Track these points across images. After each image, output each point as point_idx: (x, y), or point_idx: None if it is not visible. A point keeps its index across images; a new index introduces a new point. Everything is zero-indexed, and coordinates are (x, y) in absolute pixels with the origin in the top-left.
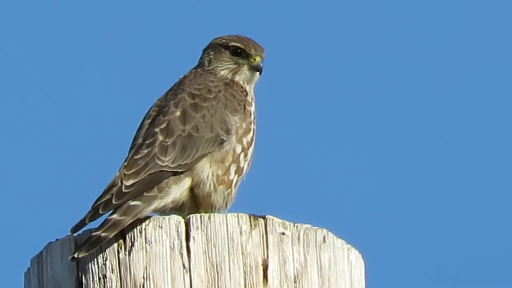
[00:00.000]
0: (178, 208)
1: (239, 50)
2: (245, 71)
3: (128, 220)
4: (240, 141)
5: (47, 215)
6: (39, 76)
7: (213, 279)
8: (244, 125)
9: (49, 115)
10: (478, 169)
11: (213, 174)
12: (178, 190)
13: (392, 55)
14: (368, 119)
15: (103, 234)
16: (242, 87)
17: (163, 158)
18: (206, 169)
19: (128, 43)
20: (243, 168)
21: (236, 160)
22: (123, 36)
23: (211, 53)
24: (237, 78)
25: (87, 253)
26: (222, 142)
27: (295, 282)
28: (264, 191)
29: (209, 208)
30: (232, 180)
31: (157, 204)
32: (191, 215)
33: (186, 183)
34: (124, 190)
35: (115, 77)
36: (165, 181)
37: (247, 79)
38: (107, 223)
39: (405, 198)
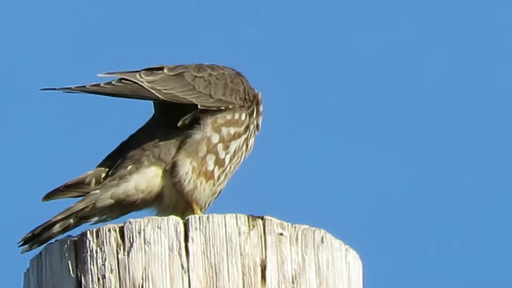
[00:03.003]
0: (157, 201)
1: None
2: None
3: (81, 206)
4: (217, 130)
5: (47, 216)
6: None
7: (211, 279)
8: (229, 116)
9: (54, 119)
10: (476, 169)
11: (192, 170)
12: (142, 178)
13: (393, 55)
14: (365, 120)
15: (53, 219)
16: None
17: (145, 77)
18: (186, 165)
19: (127, 46)
20: (224, 160)
21: (212, 150)
22: (122, 38)
23: None
24: None
25: (32, 240)
26: (191, 138)
27: (293, 282)
28: (262, 191)
29: (195, 205)
30: (212, 172)
31: (113, 190)
32: (189, 216)
33: (151, 171)
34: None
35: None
36: (128, 168)
37: None
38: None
39: (403, 198)
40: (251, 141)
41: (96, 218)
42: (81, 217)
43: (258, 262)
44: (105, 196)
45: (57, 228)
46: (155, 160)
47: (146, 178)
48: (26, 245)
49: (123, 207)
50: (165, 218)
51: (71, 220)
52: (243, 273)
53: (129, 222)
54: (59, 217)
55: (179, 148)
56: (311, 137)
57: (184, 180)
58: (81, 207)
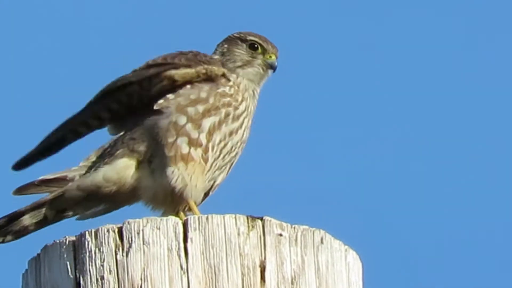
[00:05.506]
0: (133, 194)
1: (256, 45)
2: (257, 65)
3: (49, 197)
4: (183, 111)
5: None
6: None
7: (210, 280)
8: (192, 96)
9: (46, 115)
10: (475, 168)
11: (170, 159)
12: (111, 169)
13: (394, 54)
14: (366, 120)
15: (19, 210)
16: (224, 72)
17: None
18: (170, 164)
19: (131, 43)
20: (199, 139)
21: (182, 132)
22: (126, 36)
23: (225, 45)
24: (245, 71)
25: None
26: (159, 128)
27: (292, 283)
28: (261, 192)
29: (189, 201)
30: (189, 154)
31: (80, 182)
32: (188, 217)
33: (121, 162)
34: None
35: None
36: (104, 160)
37: (256, 74)
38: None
39: (403, 199)
40: (233, 126)
41: (76, 212)
42: (58, 209)
43: (258, 263)
44: (72, 187)
45: (28, 219)
46: (128, 151)
47: (116, 169)
48: None
49: (103, 199)
50: (164, 218)
51: (45, 212)
52: (242, 273)
53: (128, 223)
54: (25, 208)
55: (152, 139)
56: (310, 137)
57: (172, 179)
58: (49, 198)
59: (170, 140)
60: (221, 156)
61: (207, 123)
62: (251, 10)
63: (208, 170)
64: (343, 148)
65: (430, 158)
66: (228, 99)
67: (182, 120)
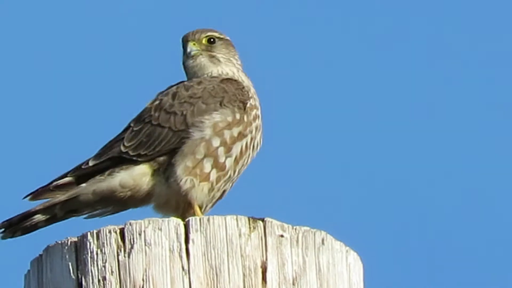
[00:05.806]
0: (150, 199)
1: (183, 46)
2: (186, 62)
3: (62, 198)
4: (219, 134)
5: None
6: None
7: (212, 281)
8: (229, 118)
9: (49, 118)
10: (474, 168)
11: (185, 169)
12: (127, 175)
13: (392, 54)
14: (366, 121)
15: (32, 209)
16: (238, 83)
17: (126, 144)
18: (182, 165)
19: (128, 44)
20: (224, 163)
21: (212, 153)
22: (123, 36)
23: None
24: (195, 70)
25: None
26: (189, 138)
27: (293, 284)
28: (263, 193)
29: (195, 204)
30: (208, 174)
31: (97, 186)
32: (190, 218)
33: (138, 169)
34: (82, 166)
35: (117, 79)
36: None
37: (195, 66)
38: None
39: (404, 200)
40: (258, 138)
41: (87, 212)
42: (69, 210)
43: (259, 264)
44: (88, 191)
45: (40, 217)
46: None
47: (132, 175)
48: (6, 232)
49: (114, 203)
50: (166, 219)
51: (56, 212)
52: (243, 274)
53: (130, 224)
54: (38, 208)
55: (176, 148)
56: (311, 138)
57: (181, 180)
58: (63, 199)
59: (198, 156)
60: (238, 169)
61: (237, 147)
62: (249, 9)
63: (218, 190)
64: (343, 149)
65: (430, 158)
66: (255, 111)
67: (216, 142)
